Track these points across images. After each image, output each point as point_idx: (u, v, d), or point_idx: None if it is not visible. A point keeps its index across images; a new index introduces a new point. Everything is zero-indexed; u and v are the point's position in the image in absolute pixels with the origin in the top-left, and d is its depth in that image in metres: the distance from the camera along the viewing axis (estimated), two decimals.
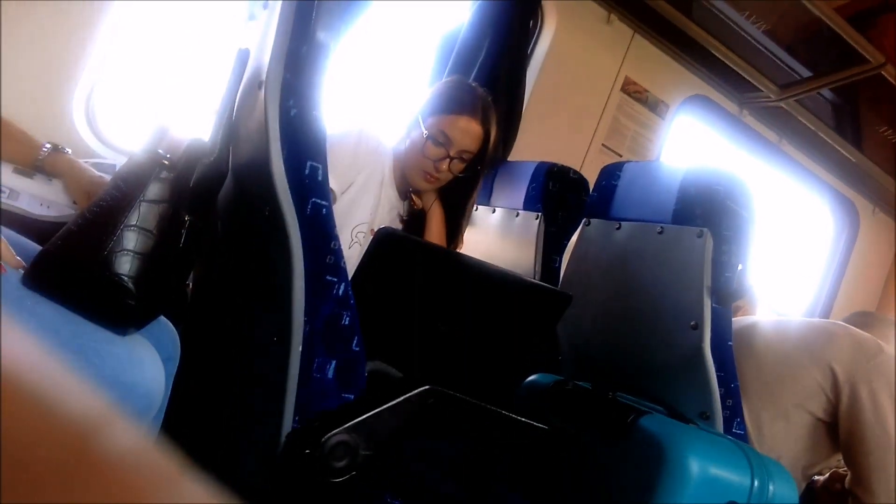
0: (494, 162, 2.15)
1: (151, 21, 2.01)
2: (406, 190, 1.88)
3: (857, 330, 1.83)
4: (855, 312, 2.26)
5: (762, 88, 2.86)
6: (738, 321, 1.86)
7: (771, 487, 1.10)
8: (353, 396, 1.06)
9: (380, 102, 2.37)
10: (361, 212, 1.79)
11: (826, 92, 2.90)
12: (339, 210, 1.65)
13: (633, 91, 2.80)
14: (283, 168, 1.02)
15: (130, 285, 0.97)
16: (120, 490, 0.16)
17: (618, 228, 1.52)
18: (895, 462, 1.63)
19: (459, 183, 1.84)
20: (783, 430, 1.73)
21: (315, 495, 1.01)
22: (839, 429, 1.72)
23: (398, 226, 1.89)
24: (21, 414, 0.16)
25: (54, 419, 0.16)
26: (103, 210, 0.99)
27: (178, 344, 1.16)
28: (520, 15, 2.36)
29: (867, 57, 2.44)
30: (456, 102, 1.79)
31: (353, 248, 1.77)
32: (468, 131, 1.75)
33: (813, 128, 3.06)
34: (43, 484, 0.15)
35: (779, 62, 2.71)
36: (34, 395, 0.16)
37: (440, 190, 1.87)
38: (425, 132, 1.75)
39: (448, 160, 1.75)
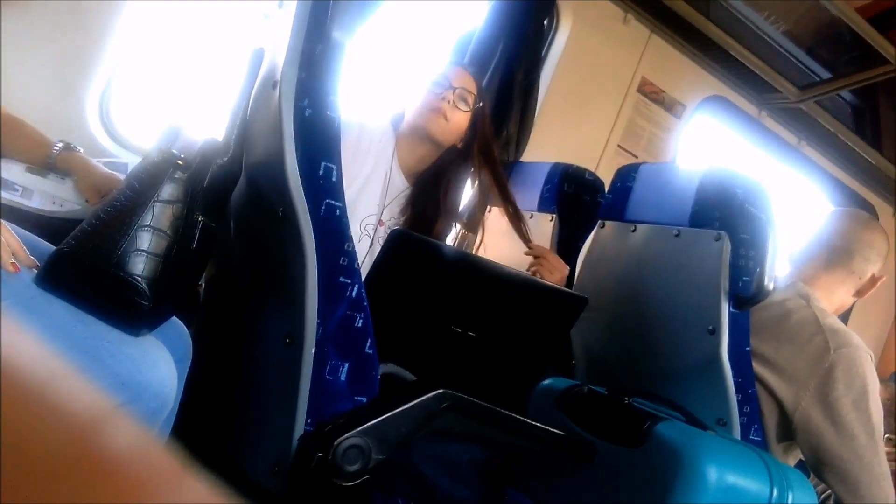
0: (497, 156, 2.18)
1: (166, 20, 2.02)
2: (413, 173, 1.86)
3: (808, 321, 1.50)
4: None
5: (781, 90, 2.83)
6: None
7: (790, 495, 1.08)
8: (365, 399, 1.05)
9: (394, 102, 2.36)
10: (369, 204, 1.78)
11: (846, 93, 2.87)
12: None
13: (649, 91, 2.77)
14: (297, 168, 1.02)
15: (144, 286, 0.97)
16: (122, 489, 0.16)
17: (633, 231, 1.51)
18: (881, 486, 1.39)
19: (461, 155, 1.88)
20: None
21: (327, 499, 1.00)
22: (803, 454, 1.49)
23: (405, 213, 1.87)
24: (22, 412, 0.15)
25: (56, 418, 0.16)
26: (117, 210, 0.99)
27: (190, 345, 1.15)
28: (535, 15, 2.35)
29: (888, 58, 2.41)
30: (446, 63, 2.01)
31: (362, 242, 1.76)
32: (462, 74, 1.89)
33: (832, 129, 3.02)
34: (44, 483, 0.15)
35: (798, 63, 2.69)
36: (36, 394, 0.16)
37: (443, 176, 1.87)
38: (427, 77, 1.86)
39: (452, 90, 1.83)
